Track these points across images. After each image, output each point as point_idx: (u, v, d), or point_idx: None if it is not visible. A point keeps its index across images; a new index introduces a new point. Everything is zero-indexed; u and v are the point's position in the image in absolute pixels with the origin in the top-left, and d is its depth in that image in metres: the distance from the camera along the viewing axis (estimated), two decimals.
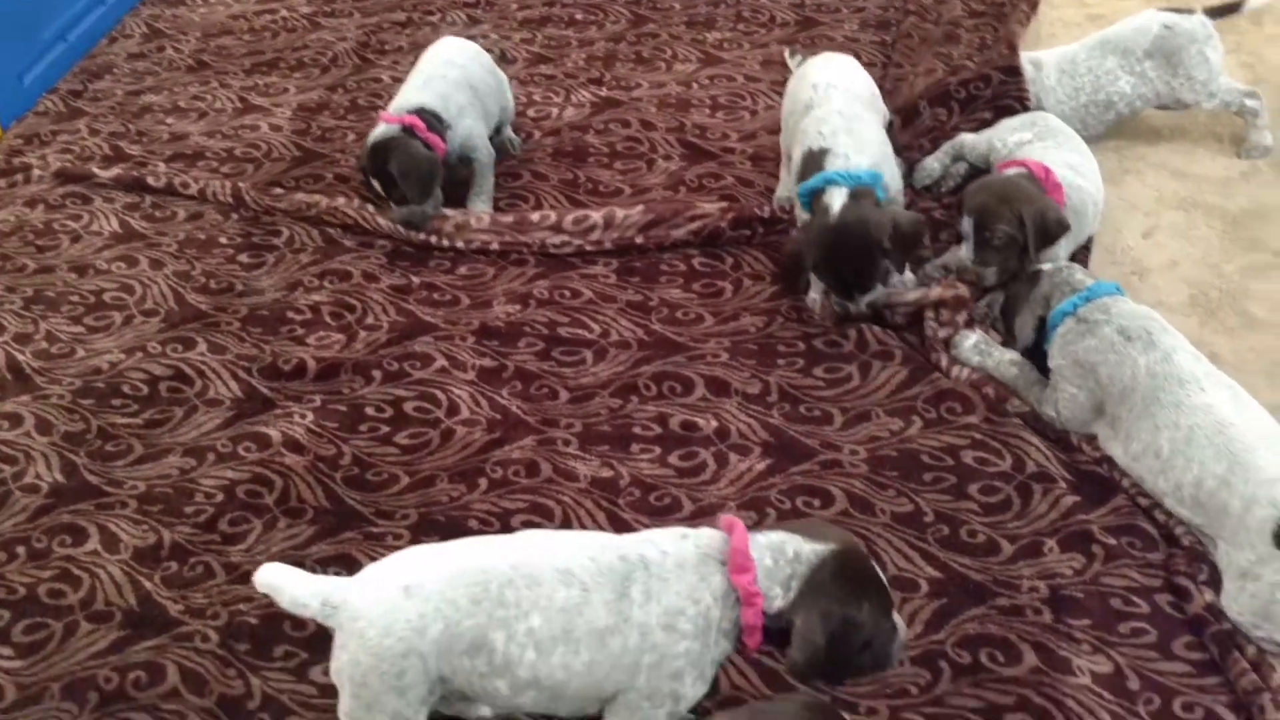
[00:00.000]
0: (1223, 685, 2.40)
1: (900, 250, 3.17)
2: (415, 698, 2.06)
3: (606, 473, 2.95)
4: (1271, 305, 3.35)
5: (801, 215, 3.35)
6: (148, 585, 2.72)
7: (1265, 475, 2.52)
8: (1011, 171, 3.34)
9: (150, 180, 4.13)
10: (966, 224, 3.25)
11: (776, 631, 2.05)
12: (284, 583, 2.11)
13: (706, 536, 2.11)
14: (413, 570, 2.08)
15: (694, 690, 2.08)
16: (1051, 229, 3.17)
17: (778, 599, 2.04)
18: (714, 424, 3.07)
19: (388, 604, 2.04)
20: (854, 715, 2.38)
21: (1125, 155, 3.96)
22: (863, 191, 3.19)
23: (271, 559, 2.75)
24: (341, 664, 2.08)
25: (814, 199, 3.26)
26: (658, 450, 3.01)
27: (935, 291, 3.28)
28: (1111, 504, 2.78)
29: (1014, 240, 3.18)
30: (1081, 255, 3.45)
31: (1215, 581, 2.56)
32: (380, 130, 3.68)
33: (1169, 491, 2.68)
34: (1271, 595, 2.43)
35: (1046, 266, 3.08)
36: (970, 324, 3.26)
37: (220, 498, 2.94)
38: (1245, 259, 3.53)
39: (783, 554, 2.05)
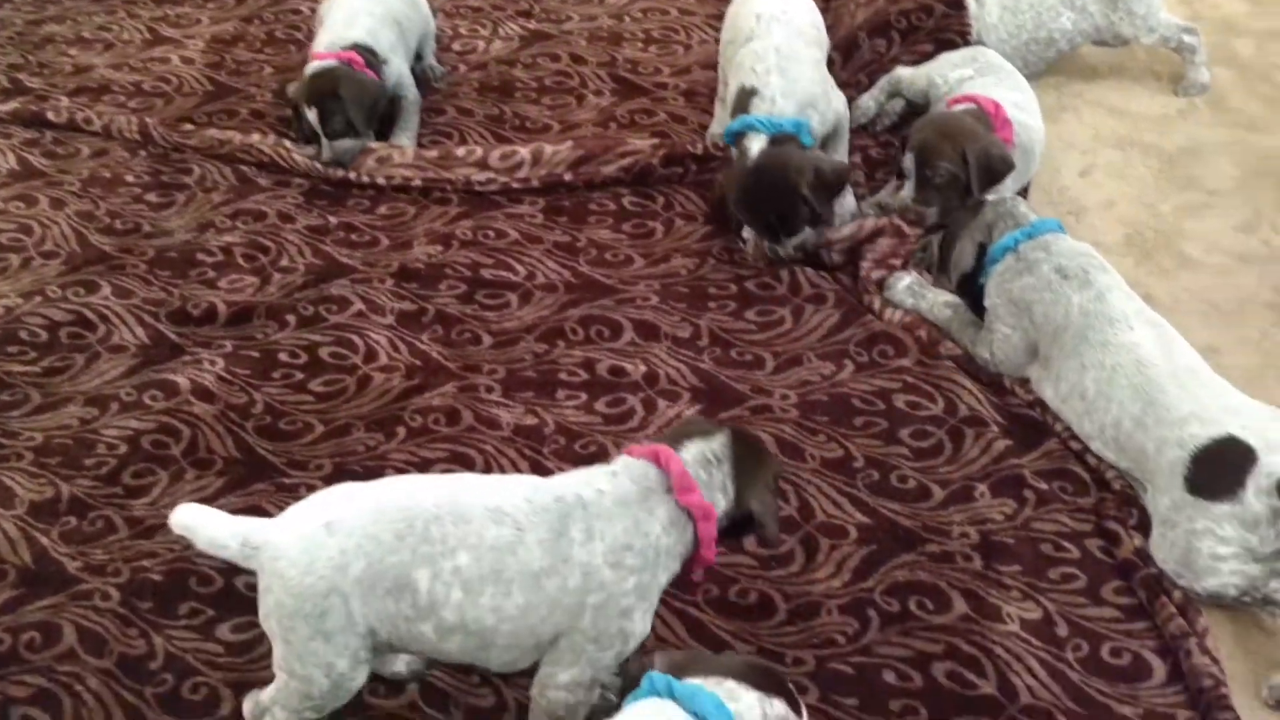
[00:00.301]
0: (1150, 630, 2.38)
1: (822, 195, 3.11)
2: (344, 647, 1.97)
3: (530, 420, 2.85)
4: (1206, 245, 3.32)
5: (735, 152, 3.27)
6: (44, 541, 2.58)
7: (1175, 415, 2.46)
8: (960, 108, 3.25)
9: (51, 115, 3.91)
10: (908, 161, 3.17)
11: (723, 532, 2.10)
12: (201, 523, 2.00)
13: (638, 469, 2.07)
14: (335, 507, 2.00)
15: (642, 626, 2.05)
16: (996, 167, 3.09)
17: (721, 503, 2.08)
18: (643, 369, 2.98)
19: (309, 541, 1.95)
20: (780, 665, 2.33)
21: (1063, 92, 3.90)
22: (783, 138, 3.14)
23: None
24: (268, 608, 1.99)
25: (736, 140, 3.21)
26: (584, 397, 2.92)
27: (870, 223, 3.21)
28: (1043, 448, 2.74)
29: (956, 178, 3.10)
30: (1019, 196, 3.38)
31: (1145, 525, 2.54)
32: (317, 65, 3.59)
33: (1095, 434, 2.65)
34: (1188, 543, 2.38)
35: (991, 197, 3.01)
36: (905, 265, 3.19)
37: (124, 449, 2.80)
38: (1181, 198, 3.50)
39: (707, 462, 2.08)
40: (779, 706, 1.75)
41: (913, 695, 2.27)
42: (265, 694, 2.11)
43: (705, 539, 2.06)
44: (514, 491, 2.04)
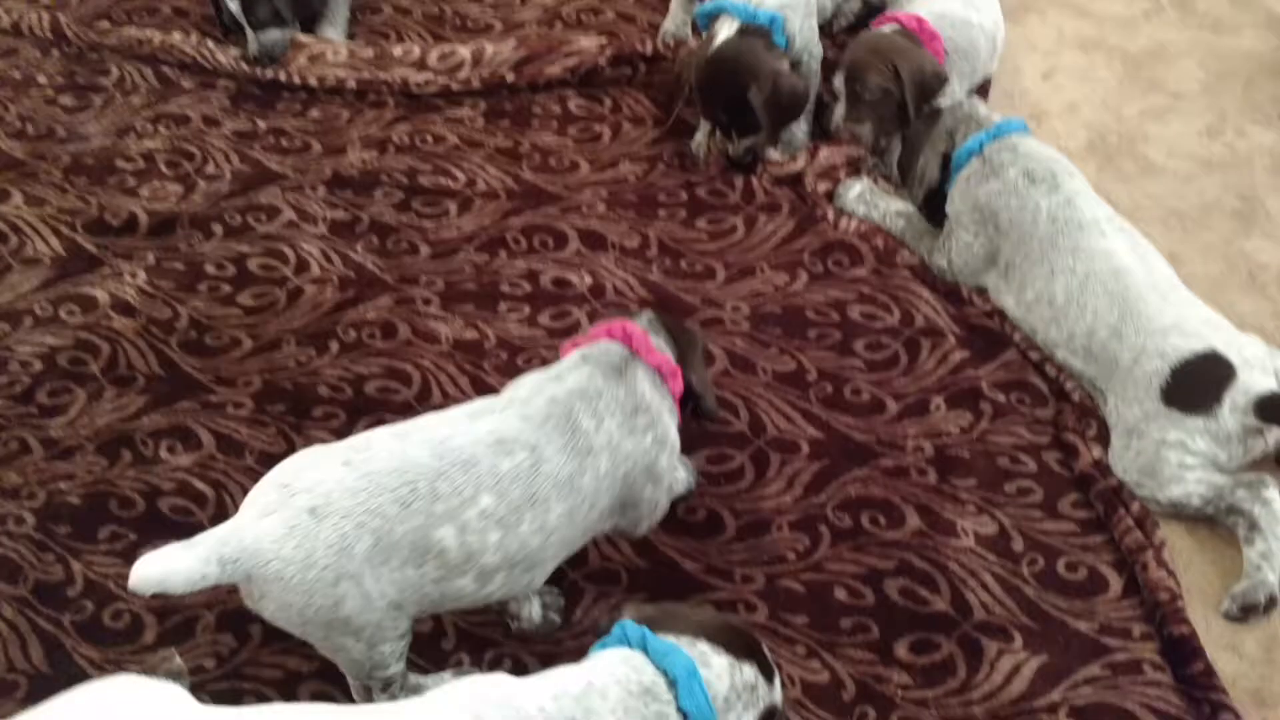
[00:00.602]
0: (1107, 543, 2.33)
1: (773, 112, 2.97)
2: (372, 626, 1.84)
3: (470, 334, 2.72)
4: (1169, 150, 3.22)
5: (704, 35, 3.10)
6: None
7: (1156, 325, 2.41)
8: (886, 28, 3.10)
9: None
10: (838, 81, 3.05)
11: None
12: (169, 569, 1.72)
13: (604, 346, 2.08)
14: (309, 490, 1.79)
15: (671, 462, 2.11)
16: (929, 83, 2.95)
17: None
18: (589, 280, 2.85)
19: (299, 534, 1.76)
20: (729, 583, 2.26)
21: None
22: (755, 30, 2.97)
23: (97, 432, 2.51)
24: (272, 614, 1.83)
25: (709, 22, 3.04)
26: (527, 309, 2.79)
27: (824, 153, 3.08)
28: (1001, 359, 2.66)
29: (888, 94, 2.95)
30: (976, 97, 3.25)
31: (1104, 437, 2.48)
32: None
33: (1061, 342, 2.57)
34: (1156, 453, 2.35)
35: (946, 102, 2.89)
36: (855, 173, 3.07)
37: (38, 366, 2.65)
38: (1144, 101, 3.39)
39: (654, 332, 2.15)
40: (748, 672, 1.70)
41: (864, 612, 2.21)
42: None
43: (677, 395, 2.12)
44: (503, 417, 1.93)
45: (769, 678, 1.73)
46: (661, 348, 2.13)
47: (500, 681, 1.63)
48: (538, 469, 1.89)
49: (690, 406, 2.19)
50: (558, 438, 1.93)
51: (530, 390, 2.00)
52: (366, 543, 1.78)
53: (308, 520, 1.77)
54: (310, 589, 1.77)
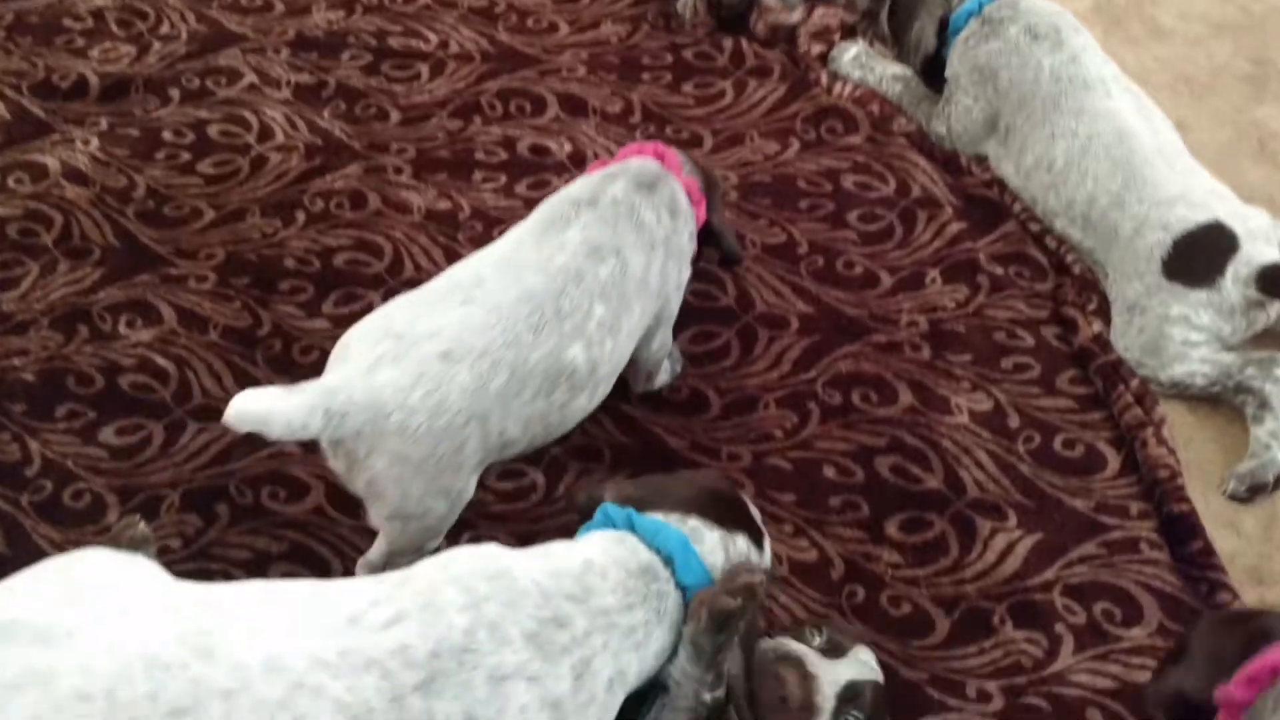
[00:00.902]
0: (1105, 420, 2.25)
1: None
2: (474, 467, 1.81)
3: (444, 204, 2.59)
4: (1179, 12, 3.07)
5: None
6: None
7: (1161, 195, 2.31)
8: None
9: None
10: None
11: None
12: (270, 408, 1.61)
13: (640, 163, 2.07)
14: (434, 335, 1.72)
15: (678, 297, 2.12)
16: None
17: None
18: (568, 148, 2.71)
19: (429, 381, 1.69)
20: (715, 461, 2.18)
21: None
22: None
23: (52, 306, 2.38)
24: (377, 472, 1.72)
25: None
26: (503, 178, 2.65)
27: (819, 12, 2.91)
28: (1001, 230, 2.55)
29: None
30: None
31: (1105, 312, 2.39)
32: None
33: (1060, 210, 2.46)
34: (1159, 329, 2.26)
35: None
36: (851, 35, 2.91)
37: None
38: None
39: (681, 164, 2.13)
40: (741, 543, 1.64)
41: (854, 490, 2.14)
42: (374, 553, 1.88)
43: (700, 220, 2.12)
44: (584, 225, 1.93)
45: (759, 543, 1.67)
46: (691, 173, 2.11)
47: (493, 554, 1.53)
48: (625, 271, 1.91)
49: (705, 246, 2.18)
50: (632, 237, 1.94)
51: (579, 189, 2.00)
52: (502, 377, 1.75)
53: (439, 366, 1.70)
54: (437, 438, 1.70)
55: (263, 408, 1.61)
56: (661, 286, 2.02)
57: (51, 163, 2.63)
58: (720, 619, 1.47)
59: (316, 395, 1.64)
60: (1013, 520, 2.10)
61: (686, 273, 2.11)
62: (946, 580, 2.03)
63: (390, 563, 1.84)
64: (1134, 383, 2.28)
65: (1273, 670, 1.49)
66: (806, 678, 1.55)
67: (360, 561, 1.92)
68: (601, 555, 1.53)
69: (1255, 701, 1.48)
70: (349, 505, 2.09)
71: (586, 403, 1.92)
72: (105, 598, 1.39)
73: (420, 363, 1.70)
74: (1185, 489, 2.11)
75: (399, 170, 2.66)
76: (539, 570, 1.50)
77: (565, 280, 1.85)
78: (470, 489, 1.85)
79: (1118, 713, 1.86)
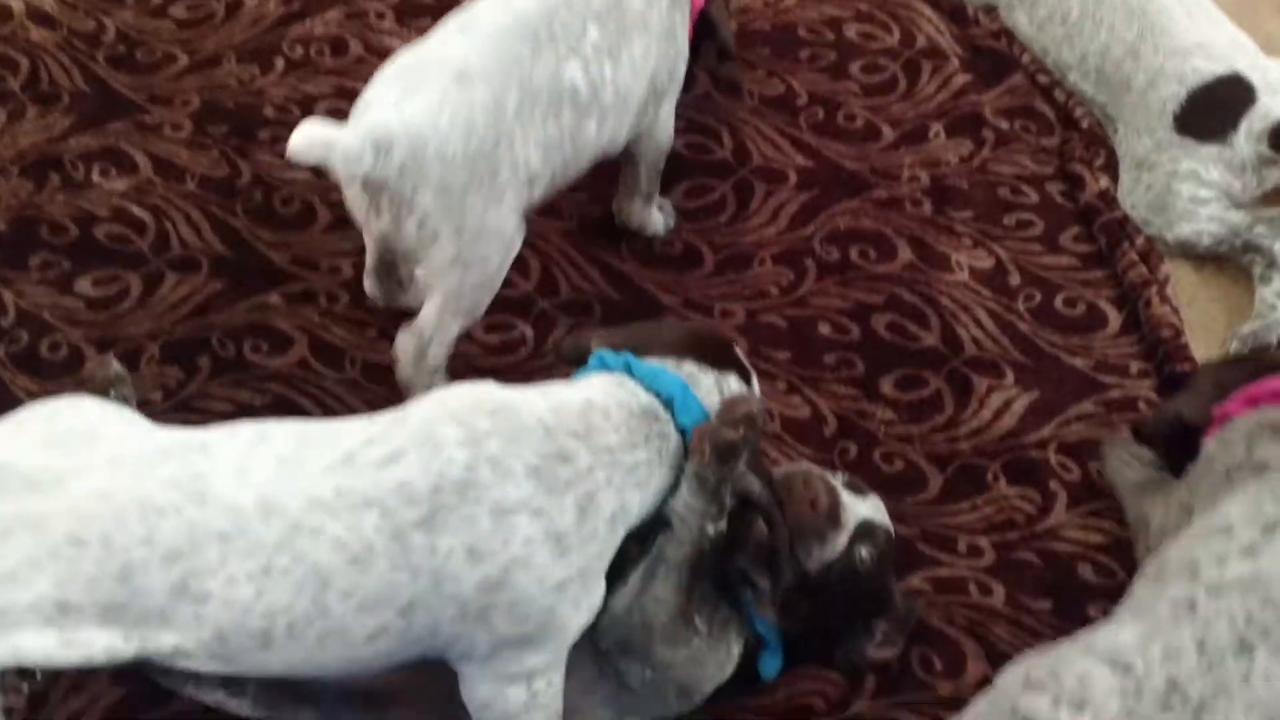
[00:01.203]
0: (1109, 278, 2.20)
1: None
2: (515, 200, 1.80)
3: None
4: None
5: None
6: None
7: (1178, 45, 2.21)
8: None
9: None
10: None
11: None
12: (331, 138, 1.61)
13: None
14: (442, 62, 1.73)
15: (676, 89, 2.10)
16: None
17: None
18: None
19: (451, 103, 1.69)
20: (707, 317, 2.13)
21: None
22: None
23: (22, 153, 2.30)
24: (427, 209, 1.71)
25: None
26: None
27: None
28: (1007, 83, 2.46)
29: None
30: None
31: (1112, 167, 2.32)
32: None
33: (1074, 64, 2.37)
34: (1167, 186, 2.20)
35: None
36: None
37: None
38: None
39: None
40: (734, 383, 1.61)
41: (849, 348, 2.10)
42: (423, 318, 1.82)
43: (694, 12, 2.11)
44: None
45: (748, 382, 1.64)
46: None
47: (492, 391, 1.48)
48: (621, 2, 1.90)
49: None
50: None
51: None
52: (515, 95, 1.75)
53: (456, 89, 1.70)
54: (473, 160, 1.71)
55: (325, 137, 1.60)
56: (667, 31, 1.98)
57: (15, 3, 2.51)
58: (723, 450, 1.45)
59: (364, 129, 1.65)
60: (1010, 378, 2.07)
61: (685, 52, 2.07)
62: (941, 437, 2.00)
63: (440, 324, 1.81)
64: (1139, 240, 2.22)
65: (1273, 393, 1.46)
66: (832, 490, 1.60)
67: (402, 329, 1.85)
68: (603, 396, 1.49)
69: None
70: (333, 358, 2.05)
71: (595, 132, 1.89)
72: (93, 444, 1.35)
73: (440, 88, 1.70)
74: (1189, 348, 2.08)
75: (381, 15, 2.55)
76: (540, 405, 1.46)
77: (556, 3, 1.84)
78: (518, 240, 1.85)
79: (1109, 567, 1.86)
